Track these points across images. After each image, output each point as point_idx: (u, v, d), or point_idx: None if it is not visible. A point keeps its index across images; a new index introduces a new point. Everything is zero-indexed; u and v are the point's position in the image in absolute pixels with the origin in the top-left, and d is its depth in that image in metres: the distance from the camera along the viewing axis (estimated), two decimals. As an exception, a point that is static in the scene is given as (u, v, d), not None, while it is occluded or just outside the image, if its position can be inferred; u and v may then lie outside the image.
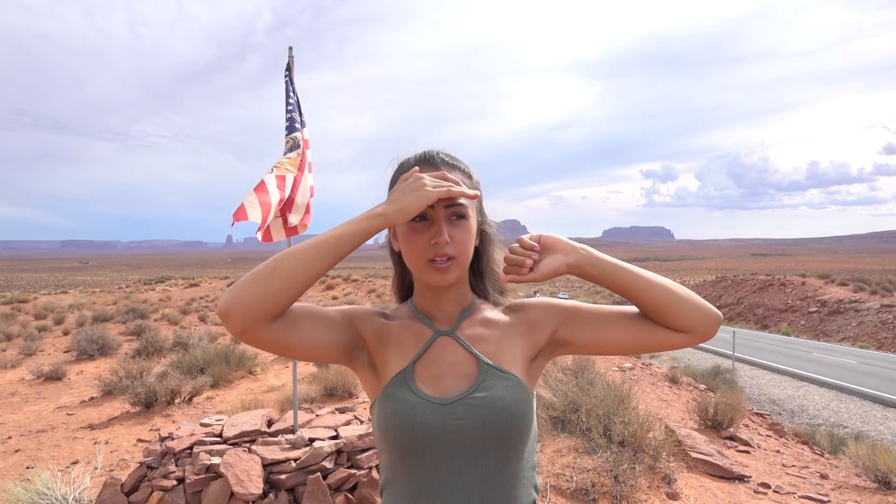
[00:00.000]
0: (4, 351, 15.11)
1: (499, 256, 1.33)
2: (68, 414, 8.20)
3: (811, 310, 40.90)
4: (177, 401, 8.16)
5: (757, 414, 10.00)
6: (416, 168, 1.18)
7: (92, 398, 8.99)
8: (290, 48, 4.70)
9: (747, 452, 5.93)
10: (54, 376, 10.92)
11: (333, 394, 7.95)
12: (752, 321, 45.46)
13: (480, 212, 1.31)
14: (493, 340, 1.24)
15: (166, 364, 10.16)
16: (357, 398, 7.94)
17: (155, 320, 22.88)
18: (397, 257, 1.35)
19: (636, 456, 4.49)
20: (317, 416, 5.02)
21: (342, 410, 5.19)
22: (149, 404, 7.82)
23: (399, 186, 1.15)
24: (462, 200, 1.18)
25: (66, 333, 18.44)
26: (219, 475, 4.09)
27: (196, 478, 4.11)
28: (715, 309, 1.21)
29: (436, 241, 1.16)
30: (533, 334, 1.27)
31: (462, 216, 1.19)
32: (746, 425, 8.06)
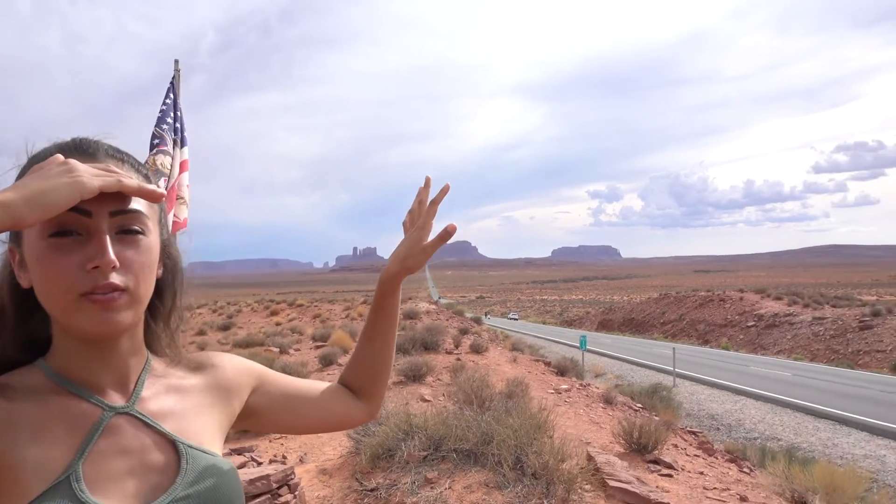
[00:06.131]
0: None
1: (185, 296, 0.98)
2: None
3: (749, 324, 42.21)
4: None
5: (689, 432, 10.01)
6: (58, 155, 0.75)
7: None
8: (177, 61, 4.37)
9: (670, 476, 5.82)
10: None
11: (247, 430, 7.48)
12: (695, 336, 46.58)
13: (164, 228, 0.91)
14: (187, 413, 0.90)
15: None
16: (272, 434, 7.51)
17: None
18: (16, 294, 0.84)
19: (549, 489, 4.29)
20: (210, 458, 4.64)
21: (239, 452, 4.83)
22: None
23: (31, 175, 0.72)
24: (139, 205, 0.81)
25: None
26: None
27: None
28: None
29: (95, 265, 0.75)
30: (230, 400, 0.99)
31: (138, 230, 0.81)
32: (675, 445, 8.01)
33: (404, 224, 1.12)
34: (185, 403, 0.91)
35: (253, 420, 1.03)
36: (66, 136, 0.86)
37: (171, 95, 4.30)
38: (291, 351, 18.44)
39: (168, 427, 0.86)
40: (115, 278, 0.77)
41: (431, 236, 1.07)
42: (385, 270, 1.10)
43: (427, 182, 1.12)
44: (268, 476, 4.05)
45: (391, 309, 1.12)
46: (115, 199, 0.77)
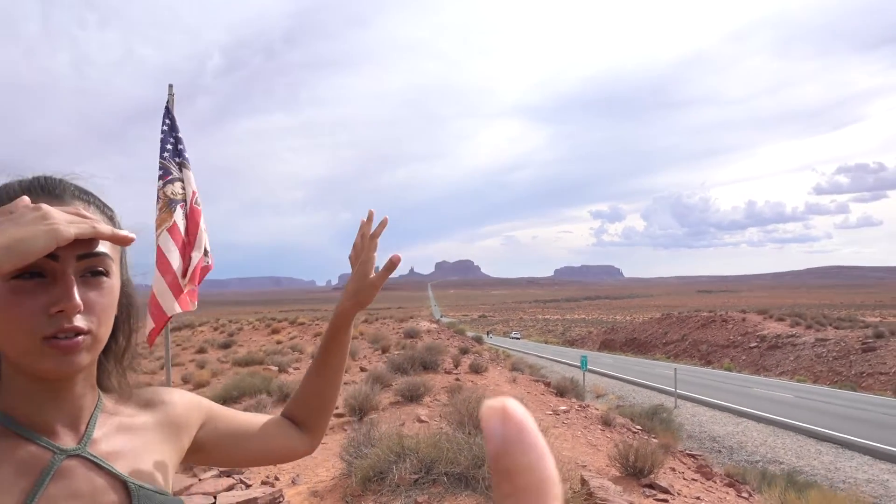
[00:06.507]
0: None
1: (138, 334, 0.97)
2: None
3: (751, 345, 41.94)
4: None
5: (689, 455, 9.91)
6: (25, 197, 0.74)
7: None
8: (171, 86, 4.40)
9: (665, 501, 5.75)
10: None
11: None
12: (697, 357, 46.28)
13: (124, 267, 0.90)
14: (139, 452, 0.88)
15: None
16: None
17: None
18: None
19: (540, 513, 4.23)
20: (199, 480, 4.60)
21: (227, 473, 4.78)
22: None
23: (1, 219, 0.71)
24: (104, 247, 0.81)
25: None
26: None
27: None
28: None
29: (60, 309, 0.75)
30: (180, 437, 0.97)
31: (104, 272, 0.81)
32: (673, 469, 7.92)
33: (350, 258, 1.16)
34: (136, 442, 0.90)
35: (200, 455, 1.03)
36: (28, 174, 0.86)
37: (168, 120, 4.35)
38: (290, 370, 18.36)
39: (120, 468, 0.84)
40: (79, 321, 0.77)
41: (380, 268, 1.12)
42: (339, 306, 1.14)
43: (369, 216, 1.16)
44: (255, 499, 4.02)
45: (343, 343, 1.14)
46: (83, 241, 0.77)
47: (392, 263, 1.08)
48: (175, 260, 4.06)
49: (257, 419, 1.11)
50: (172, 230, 4.10)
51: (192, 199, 4.34)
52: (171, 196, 4.25)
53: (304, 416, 1.15)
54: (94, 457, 0.82)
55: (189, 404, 1.01)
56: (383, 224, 1.15)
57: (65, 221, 0.72)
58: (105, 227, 0.76)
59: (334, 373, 1.15)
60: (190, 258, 4.18)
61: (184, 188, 4.33)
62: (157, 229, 4.16)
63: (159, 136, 4.31)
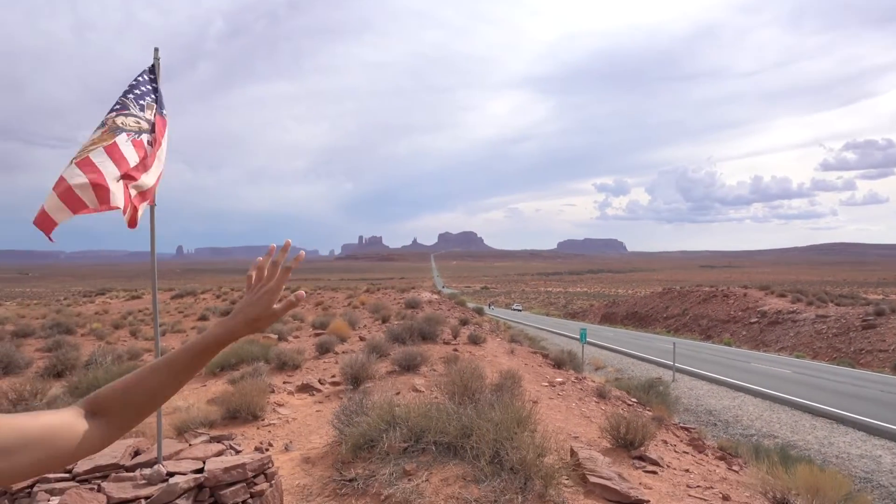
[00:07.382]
0: None
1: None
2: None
3: (752, 320, 42.02)
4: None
5: (683, 428, 9.96)
6: None
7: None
8: (157, 49, 4.33)
9: (654, 473, 5.79)
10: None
11: (237, 416, 7.46)
12: (697, 332, 46.44)
13: None
14: None
15: (64, 386, 9.50)
16: (261, 420, 7.49)
17: (82, 335, 21.80)
18: None
19: (526, 483, 4.25)
20: (189, 445, 4.61)
21: (218, 439, 4.80)
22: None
23: None
24: None
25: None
26: (56, 518, 3.67)
27: (30, 521, 3.67)
28: None
29: None
30: None
31: None
32: (666, 441, 7.97)
33: (249, 277, 1.16)
34: None
35: None
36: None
37: (147, 76, 4.22)
38: (290, 338, 18.48)
39: None
40: None
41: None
42: (230, 325, 1.11)
43: (286, 245, 1.19)
44: (244, 465, 4.03)
45: (210, 358, 1.11)
46: None
47: (298, 299, 1.14)
48: (108, 167, 3.52)
49: (45, 423, 0.95)
50: (111, 149, 3.65)
51: (157, 143, 4.01)
52: (121, 125, 3.84)
53: (121, 411, 1.03)
54: None
55: None
56: (298, 259, 1.19)
57: None
58: None
59: (180, 382, 1.07)
60: (132, 176, 3.78)
61: (138, 123, 4.00)
62: (88, 146, 3.63)
63: (135, 80, 4.14)
